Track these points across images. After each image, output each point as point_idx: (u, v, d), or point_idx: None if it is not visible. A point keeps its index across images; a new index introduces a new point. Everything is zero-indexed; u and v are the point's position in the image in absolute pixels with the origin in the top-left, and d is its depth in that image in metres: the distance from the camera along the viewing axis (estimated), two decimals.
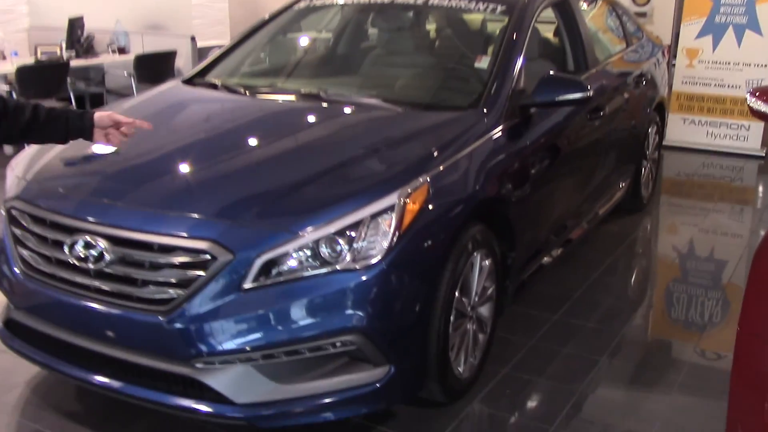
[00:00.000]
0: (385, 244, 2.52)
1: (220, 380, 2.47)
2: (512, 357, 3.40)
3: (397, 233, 2.54)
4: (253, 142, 3.09)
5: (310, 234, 2.48)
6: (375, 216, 2.54)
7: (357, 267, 2.48)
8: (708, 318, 3.95)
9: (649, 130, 5.26)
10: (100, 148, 2.90)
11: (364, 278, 2.48)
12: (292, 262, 2.46)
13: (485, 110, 3.22)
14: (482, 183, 2.94)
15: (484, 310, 3.17)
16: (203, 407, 2.49)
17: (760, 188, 6.60)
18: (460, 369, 2.99)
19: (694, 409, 3.09)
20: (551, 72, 3.71)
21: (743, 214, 5.86)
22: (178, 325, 2.43)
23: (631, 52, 5.02)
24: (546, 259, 3.85)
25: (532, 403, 3.09)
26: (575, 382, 3.21)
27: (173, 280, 2.47)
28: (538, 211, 3.57)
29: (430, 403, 2.94)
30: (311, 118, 3.35)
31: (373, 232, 2.53)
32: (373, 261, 2.49)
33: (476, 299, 3.04)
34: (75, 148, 2.95)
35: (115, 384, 2.61)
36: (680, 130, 7.38)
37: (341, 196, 2.60)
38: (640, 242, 5.05)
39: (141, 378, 2.58)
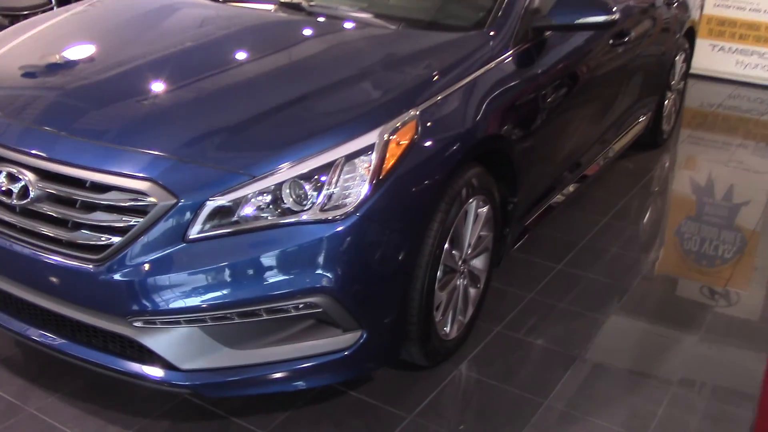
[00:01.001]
0: (362, 191, 2.12)
1: (161, 343, 2.12)
2: (507, 313, 3.04)
3: (376, 178, 2.14)
4: (215, 62, 2.62)
5: (270, 177, 2.08)
6: (351, 157, 2.14)
7: (326, 217, 2.09)
8: (730, 269, 3.57)
9: (677, 58, 4.77)
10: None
11: (334, 231, 2.09)
12: (247, 210, 2.07)
13: (492, 32, 2.76)
14: (483, 118, 2.51)
15: (478, 262, 2.80)
16: (142, 371, 2.15)
17: None
18: (447, 329, 2.64)
19: (719, 363, 2.76)
20: None
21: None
22: (112, 277, 2.07)
23: None
24: (558, 197, 3.46)
25: (525, 370, 2.74)
26: (576, 344, 2.87)
27: (108, 225, 2.09)
28: (547, 150, 3.14)
29: (411, 365, 2.61)
30: (288, 35, 2.89)
31: (347, 177, 2.13)
32: (346, 211, 2.10)
33: (469, 252, 2.66)
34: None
35: (52, 341, 2.27)
36: (707, 57, 6.84)
37: (311, 132, 2.19)
38: (657, 181, 4.63)
39: (78, 335, 2.24)
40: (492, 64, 2.65)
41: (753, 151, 5.30)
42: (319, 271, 2.09)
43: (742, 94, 6.60)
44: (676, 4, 4.47)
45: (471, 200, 2.56)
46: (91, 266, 2.09)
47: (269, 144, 2.16)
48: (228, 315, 2.10)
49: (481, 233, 2.74)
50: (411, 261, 2.30)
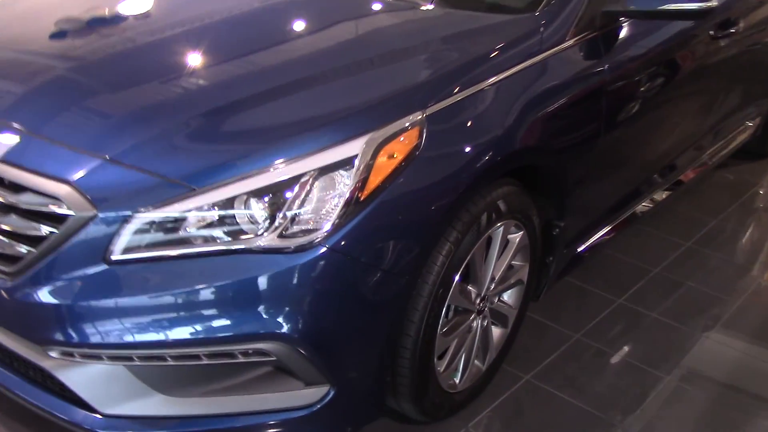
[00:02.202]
0: (335, 215, 1.66)
1: (78, 379, 1.74)
2: (543, 357, 2.52)
3: (356, 199, 1.68)
4: (184, 37, 2.19)
5: (217, 190, 1.65)
6: (325, 170, 1.68)
7: (286, 246, 1.64)
8: None
9: None
10: None
11: (294, 264, 1.64)
12: (185, 230, 1.65)
13: (546, 16, 2.21)
14: (518, 125, 1.99)
15: (508, 298, 2.30)
16: (57, 410, 1.78)
17: None
18: (456, 380, 2.16)
19: None
20: None
21: None
22: (24, 295, 1.69)
23: None
24: (627, 216, 2.89)
25: None
26: (624, 407, 2.33)
27: (22, 233, 1.72)
28: (612, 164, 2.58)
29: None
30: (286, 4, 2.42)
31: (319, 196, 1.67)
32: (313, 239, 1.65)
33: (492, 287, 2.17)
34: None
35: None
36: None
37: (277, 135, 1.74)
38: (762, 198, 3.93)
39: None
40: (539, 57, 2.11)
41: None
42: (272, 313, 1.65)
43: None
44: None
45: (498, 226, 2.06)
46: (4, 279, 1.73)
47: (222, 147, 1.73)
48: (159, 355, 1.70)
49: (513, 264, 2.24)
50: (401, 304, 1.82)
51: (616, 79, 2.37)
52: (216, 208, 1.64)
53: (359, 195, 1.68)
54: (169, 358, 1.69)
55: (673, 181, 3.20)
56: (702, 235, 3.40)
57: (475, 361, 2.24)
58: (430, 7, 2.34)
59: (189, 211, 1.63)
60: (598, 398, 2.36)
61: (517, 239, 2.19)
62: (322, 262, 1.65)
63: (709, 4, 2.31)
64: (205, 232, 1.65)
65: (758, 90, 3.66)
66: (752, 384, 2.53)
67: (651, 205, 3.07)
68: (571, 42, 2.22)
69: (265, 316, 1.65)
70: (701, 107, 3.16)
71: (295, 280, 1.65)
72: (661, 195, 3.14)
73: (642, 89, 2.54)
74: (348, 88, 1.88)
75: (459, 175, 1.84)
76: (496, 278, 2.17)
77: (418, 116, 1.79)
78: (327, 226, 1.65)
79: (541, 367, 2.47)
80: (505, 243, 2.16)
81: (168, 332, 1.66)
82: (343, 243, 1.66)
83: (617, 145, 2.54)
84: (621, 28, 2.40)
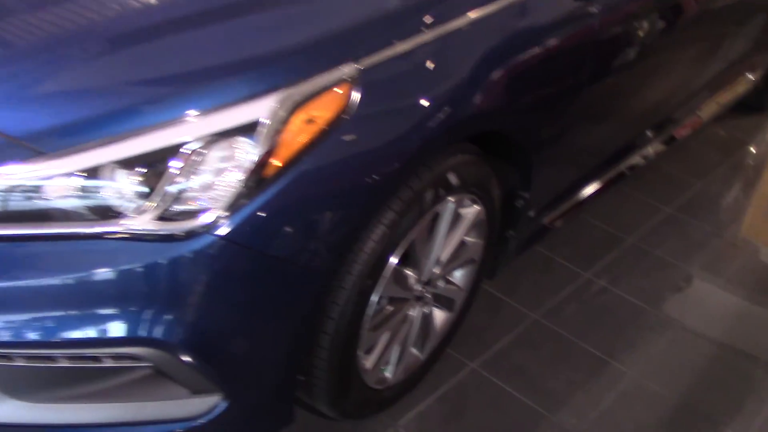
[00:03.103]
0: (232, 195, 1.30)
1: None
2: (494, 340, 2.23)
3: (259, 175, 1.32)
4: None
5: (76, 155, 1.28)
6: (220, 137, 1.31)
7: (166, 231, 1.29)
8: None
9: None
10: None
11: (175, 254, 1.29)
12: (37, 202, 1.29)
13: None
14: (480, 83, 1.61)
15: (457, 279, 1.98)
16: None
17: None
18: (387, 374, 1.86)
19: None
20: None
21: None
22: None
23: None
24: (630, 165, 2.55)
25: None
26: (578, 414, 2.05)
27: None
28: (591, 124, 2.22)
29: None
30: None
31: (212, 168, 1.31)
32: (201, 224, 1.29)
33: (437, 270, 1.84)
34: None
35: None
36: None
37: (157, 89, 1.35)
38: (755, 158, 3.60)
39: None
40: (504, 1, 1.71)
41: None
42: (145, 313, 1.31)
43: None
44: None
45: (449, 198, 1.72)
46: None
47: (85, 100, 1.34)
48: (4, 355, 1.36)
49: (466, 241, 1.90)
50: (317, 300, 1.49)
51: (610, 23, 1.99)
52: (76, 178, 1.28)
53: (265, 169, 1.32)
54: (17, 359, 1.36)
55: (665, 138, 2.85)
56: (684, 200, 3.08)
57: (413, 350, 1.93)
58: None
59: (41, 180, 1.27)
60: (550, 395, 2.08)
61: (472, 214, 1.85)
62: (211, 254, 1.30)
63: None
64: (63, 204, 1.29)
65: (761, 40, 3.26)
66: (714, 398, 2.26)
67: (642, 161, 2.73)
68: None
69: (135, 316, 1.31)
70: (701, 56, 2.79)
71: (175, 275, 1.30)
72: (651, 152, 2.80)
73: (638, 35, 2.16)
74: (260, 28, 1.47)
75: (398, 145, 1.48)
76: (443, 259, 1.84)
77: (348, 70, 1.40)
78: (220, 209, 1.30)
79: (490, 354, 2.17)
80: (453, 220, 1.82)
81: (14, 329, 1.31)
82: (240, 230, 1.31)
83: (603, 99, 2.18)
84: None
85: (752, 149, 3.62)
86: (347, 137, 1.40)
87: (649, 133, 2.77)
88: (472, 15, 1.61)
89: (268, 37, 1.44)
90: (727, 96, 3.30)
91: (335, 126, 1.38)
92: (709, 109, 3.17)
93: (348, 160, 1.42)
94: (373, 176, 1.45)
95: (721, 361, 2.31)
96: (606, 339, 2.29)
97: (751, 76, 3.40)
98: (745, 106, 3.73)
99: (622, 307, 2.44)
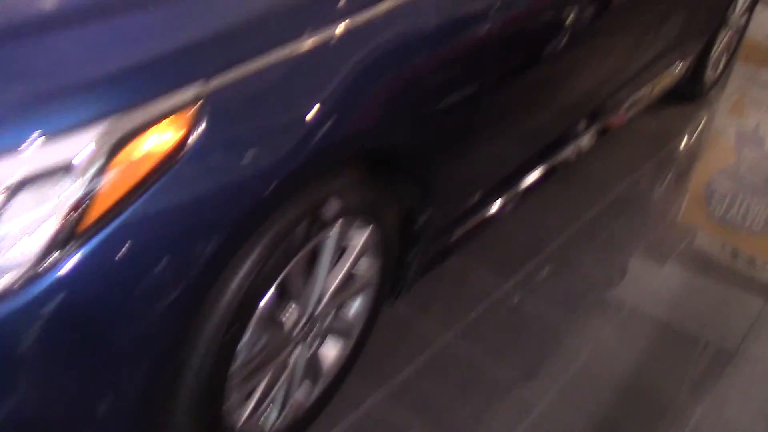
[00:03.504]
0: (44, 247, 1.08)
1: None
2: (401, 365, 2.04)
3: (79, 221, 1.09)
4: None
5: None
6: (28, 181, 1.07)
7: None
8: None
9: None
10: None
11: None
12: None
13: None
14: (356, 100, 1.40)
15: (353, 307, 1.78)
16: None
17: None
18: (266, 426, 1.66)
19: None
20: None
21: None
22: None
23: None
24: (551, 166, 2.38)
25: None
26: None
27: None
28: (506, 125, 2.04)
29: None
30: None
31: (15, 218, 1.08)
32: (4, 285, 1.07)
33: (323, 304, 1.63)
34: None
35: None
36: None
37: None
38: (685, 150, 3.47)
39: None
40: (389, 4, 1.49)
41: None
42: None
43: None
44: None
45: (329, 229, 1.51)
46: None
47: None
48: None
49: (359, 266, 1.71)
50: (159, 367, 1.27)
51: (513, 17, 1.78)
52: None
53: (84, 218, 1.09)
54: None
55: (593, 132, 2.68)
56: (611, 199, 2.93)
57: (300, 392, 1.73)
58: None
59: None
60: (456, 423, 1.90)
61: (363, 238, 1.65)
62: (15, 321, 1.08)
63: None
64: None
65: (691, 28, 3.12)
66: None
67: (571, 158, 2.56)
68: None
69: None
70: (625, 48, 2.61)
71: None
72: (578, 148, 2.63)
73: (550, 28, 1.97)
74: (86, 42, 1.22)
75: (257, 176, 1.26)
76: (331, 291, 1.64)
77: (193, 91, 1.18)
78: (26, 266, 1.07)
79: (393, 385, 1.99)
80: (345, 245, 1.62)
81: None
82: (52, 291, 1.08)
83: (511, 102, 1.99)
84: None
85: (682, 143, 3.48)
86: (191, 171, 1.18)
87: (574, 129, 2.61)
88: (348, 21, 1.39)
89: (96, 53, 1.20)
90: (657, 86, 3.16)
91: (176, 160, 1.16)
92: (638, 100, 3.02)
93: (193, 197, 1.19)
94: (227, 213, 1.24)
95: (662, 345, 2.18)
96: (523, 359, 2.13)
97: (678, 65, 3.25)
98: (677, 96, 3.61)
99: (542, 320, 2.28)
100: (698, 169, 3.41)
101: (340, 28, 1.37)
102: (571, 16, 2.03)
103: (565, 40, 2.00)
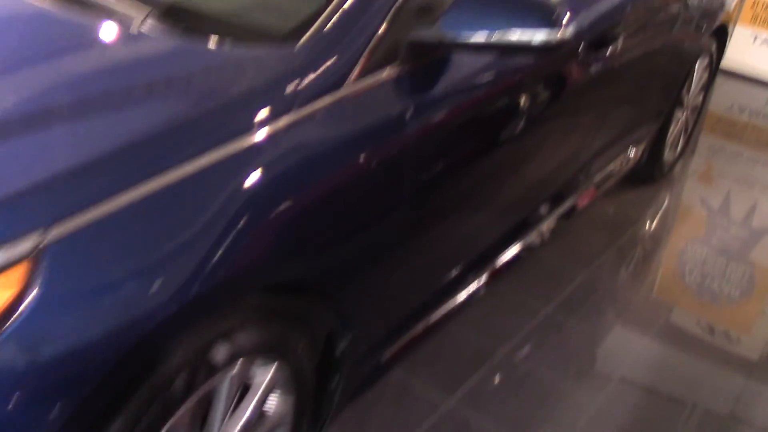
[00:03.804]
0: None
1: None
2: None
3: None
4: None
5: None
6: None
7: None
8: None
9: (696, 64, 3.42)
10: None
11: None
12: None
13: (310, 54, 1.46)
14: (243, 234, 1.26)
15: None
16: None
17: None
18: None
19: None
20: None
21: None
22: None
23: None
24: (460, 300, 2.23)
25: None
26: None
27: None
28: (434, 236, 1.90)
29: None
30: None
31: None
32: None
33: None
34: None
35: None
36: (746, 50, 5.42)
37: None
38: (642, 240, 3.35)
39: None
40: (286, 121, 1.36)
41: None
42: None
43: None
44: None
45: (222, 373, 1.35)
46: None
47: None
48: None
49: (267, 406, 1.54)
50: None
51: (432, 128, 1.67)
52: None
53: None
54: None
55: (528, 237, 2.55)
56: (565, 296, 2.78)
57: None
58: (141, 29, 1.52)
59: None
60: None
61: (269, 376, 1.49)
62: None
63: (559, 35, 1.62)
64: None
65: (644, 113, 3.04)
66: None
67: (521, 254, 2.43)
68: (356, 86, 1.50)
69: None
70: (574, 138, 2.51)
71: None
72: (521, 248, 2.49)
73: (477, 136, 1.86)
74: None
75: (118, 332, 1.11)
76: None
77: (29, 243, 1.03)
78: None
79: None
80: (245, 387, 1.46)
81: None
82: None
83: (436, 213, 1.86)
84: (442, 59, 1.69)
85: (642, 230, 3.36)
86: (28, 333, 1.03)
87: (521, 225, 2.48)
88: (225, 148, 1.26)
89: None
90: (611, 172, 3.06)
91: (6, 324, 1.01)
92: (591, 188, 2.91)
93: (34, 361, 1.04)
94: (80, 374, 1.08)
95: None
96: None
97: (632, 151, 3.16)
98: (636, 179, 3.51)
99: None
100: (669, 244, 3.34)
101: (212, 157, 1.24)
102: (497, 126, 1.93)
103: (487, 149, 1.88)
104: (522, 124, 2.05)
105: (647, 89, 2.98)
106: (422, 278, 1.98)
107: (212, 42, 1.45)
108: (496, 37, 1.58)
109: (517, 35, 1.59)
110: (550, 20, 1.61)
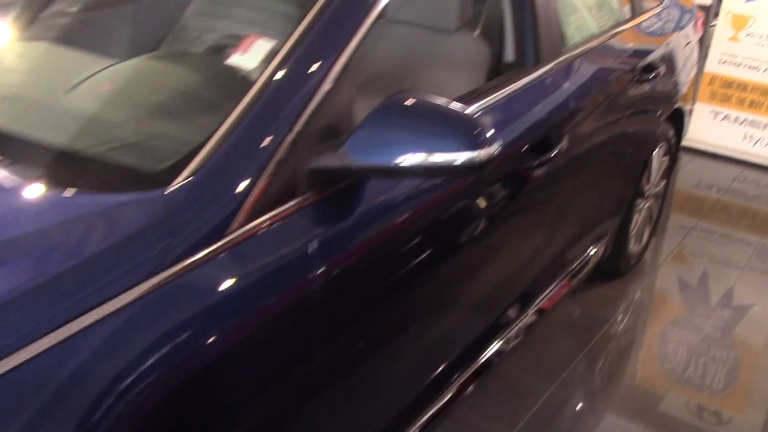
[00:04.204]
0: None
1: None
2: None
3: None
4: None
5: None
6: None
7: None
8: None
9: (654, 153, 3.26)
10: None
11: None
12: None
13: (181, 199, 1.25)
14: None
15: None
16: None
17: None
18: None
19: None
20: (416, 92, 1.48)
21: None
22: None
23: (638, 26, 2.98)
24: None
25: None
26: None
27: None
28: (355, 380, 1.66)
29: None
30: None
31: None
32: None
33: None
34: None
35: None
36: (709, 127, 5.33)
37: None
38: (616, 343, 3.11)
39: None
40: (155, 281, 1.14)
41: (758, 251, 3.91)
42: None
43: (749, 177, 5.09)
44: (655, 76, 2.96)
45: None
46: None
47: None
48: None
49: None
50: None
51: (346, 260, 1.45)
52: None
53: None
54: None
55: (485, 355, 2.30)
56: (530, 417, 2.52)
57: None
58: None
59: None
60: None
61: None
62: None
63: (485, 153, 1.42)
64: None
65: (598, 213, 2.86)
66: None
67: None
68: (245, 229, 1.28)
69: None
70: (515, 256, 2.30)
71: None
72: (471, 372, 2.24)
73: (404, 261, 1.65)
74: None
75: None
76: None
77: None
78: None
79: None
80: None
81: None
82: None
83: (363, 352, 1.62)
84: (354, 186, 1.49)
85: (613, 330, 3.13)
86: None
87: (475, 344, 2.24)
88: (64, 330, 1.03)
89: None
90: (572, 274, 2.84)
91: None
92: (551, 292, 2.69)
93: None
94: None
95: None
96: None
97: (592, 251, 2.95)
98: (602, 275, 3.30)
99: None
100: (646, 332, 3.15)
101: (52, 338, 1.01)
102: (425, 250, 1.71)
103: (433, 264, 1.67)
104: (462, 239, 1.85)
105: (602, 185, 2.80)
106: (358, 426, 1.73)
107: (67, 190, 1.24)
108: (412, 160, 1.38)
109: (435, 157, 1.39)
110: (471, 138, 1.41)
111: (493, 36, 2.26)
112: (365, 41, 1.54)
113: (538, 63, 2.18)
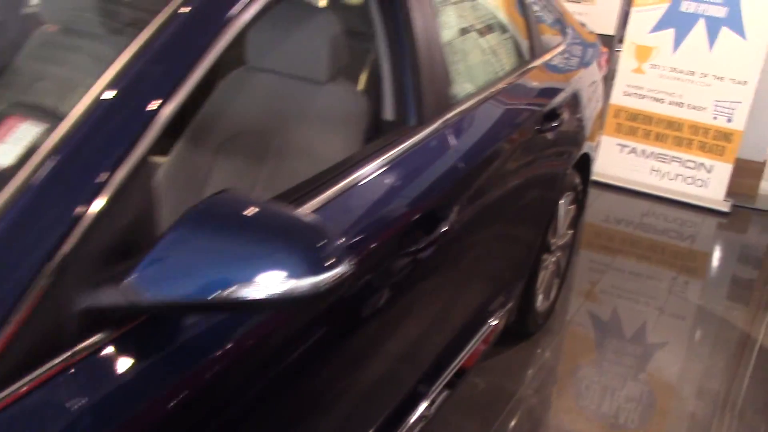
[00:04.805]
0: None
1: None
2: None
3: None
4: None
5: None
6: None
7: None
8: None
9: (561, 202, 2.98)
10: None
11: None
12: None
13: None
14: None
15: None
16: None
17: (716, 254, 4.50)
18: None
19: None
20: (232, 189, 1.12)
21: (688, 289, 3.91)
22: None
23: (538, 68, 2.68)
24: None
25: None
26: None
27: None
28: None
29: None
30: None
31: None
32: None
33: None
34: None
35: None
36: (616, 161, 5.15)
37: None
38: (529, 412, 2.79)
39: None
40: None
41: (668, 289, 3.82)
42: None
43: (658, 211, 4.93)
44: (558, 123, 2.65)
45: None
46: None
47: None
48: None
49: None
50: None
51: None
52: None
53: None
54: None
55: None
56: None
57: None
58: None
59: None
60: None
61: None
62: None
63: (331, 276, 1.05)
64: None
65: (499, 279, 2.54)
66: None
67: None
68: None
69: None
70: (403, 345, 1.94)
71: None
72: None
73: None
74: None
75: None
76: None
77: None
78: None
79: None
80: None
81: None
82: None
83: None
84: (151, 323, 1.09)
85: (522, 406, 2.81)
86: None
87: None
88: None
89: None
90: (476, 347, 2.50)
91: None
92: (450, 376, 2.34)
93: None
94: None
95: None
96: None
97: (494, 321, 2.62)
98: (510, 338, 2.99)
99: None
100: (561, 371, 2.98)
101: None
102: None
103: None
104: (334, 340, 1.48)
105: (504, 249, 2.49)
106: None
107: None
108: (230, 292, 1.00)
109: (263, 287, 1.01)
110: (313, 254, 1.04)
111: (371, 88, 1.91)
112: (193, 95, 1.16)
113: (421, 121, 1.84)
